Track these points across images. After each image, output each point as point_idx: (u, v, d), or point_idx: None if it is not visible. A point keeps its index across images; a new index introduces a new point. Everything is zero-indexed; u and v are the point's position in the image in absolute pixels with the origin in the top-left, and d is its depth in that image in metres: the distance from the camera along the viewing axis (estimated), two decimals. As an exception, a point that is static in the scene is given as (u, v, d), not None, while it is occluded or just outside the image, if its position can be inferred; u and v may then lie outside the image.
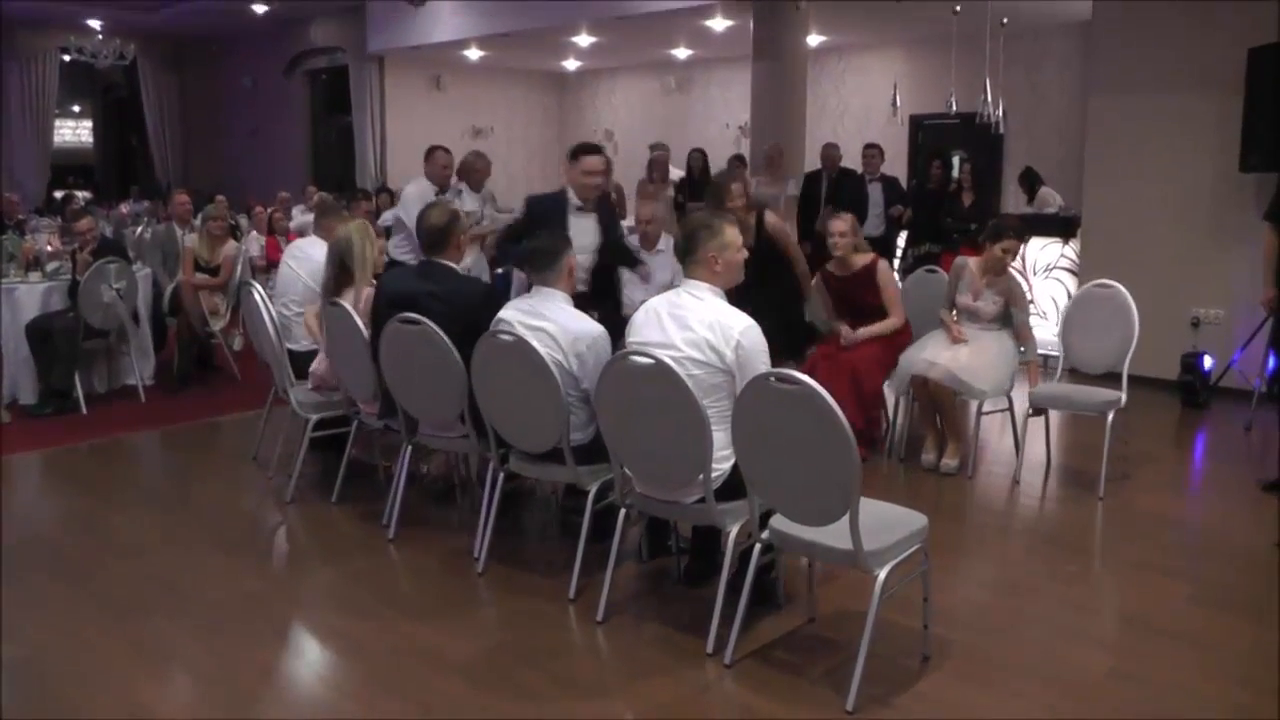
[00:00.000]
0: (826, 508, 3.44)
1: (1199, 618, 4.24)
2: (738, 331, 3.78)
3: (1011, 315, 6.16)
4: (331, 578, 4.76)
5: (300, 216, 11.67)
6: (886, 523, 3.62)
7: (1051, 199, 10.57)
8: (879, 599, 3.43)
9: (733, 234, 4.04)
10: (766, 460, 3.59)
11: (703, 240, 3.97)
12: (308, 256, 6.37)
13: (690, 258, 3.99)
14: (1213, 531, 5.29)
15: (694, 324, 3.85)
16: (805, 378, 3.34)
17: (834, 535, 3.48)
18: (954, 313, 6.31)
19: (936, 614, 3.91)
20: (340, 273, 5.48)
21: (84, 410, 7.54)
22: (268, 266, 10.08)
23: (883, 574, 3.45)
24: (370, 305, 5.22)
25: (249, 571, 4.77)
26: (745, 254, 4.10)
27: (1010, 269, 6.25)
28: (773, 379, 3.44)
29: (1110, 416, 5.71)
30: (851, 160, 11.09)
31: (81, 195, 16.69)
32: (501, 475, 4.70)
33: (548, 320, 4.35)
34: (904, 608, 3.95)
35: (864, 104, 14.92)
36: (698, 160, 11.54)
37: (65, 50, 16.29)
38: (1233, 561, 4.88)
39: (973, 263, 6.30)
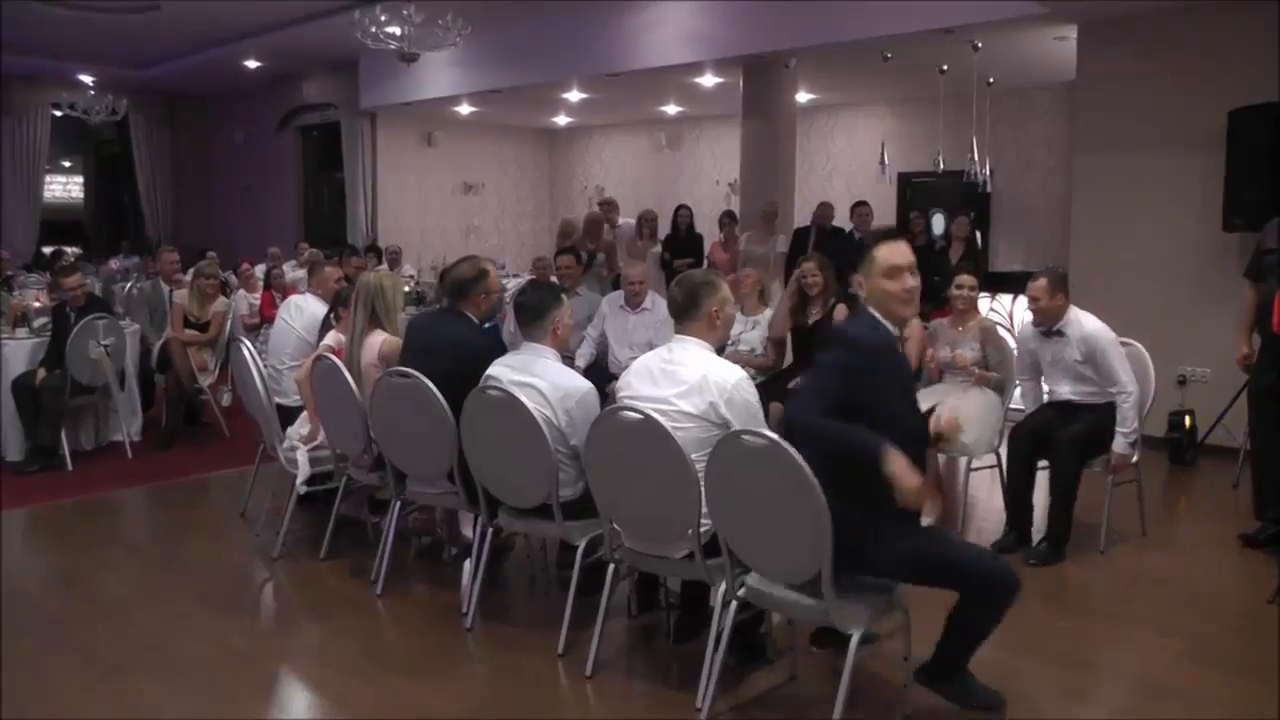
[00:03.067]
0: (799, 566, 3.41)
1: (1193, 675, 4.23)
2: (730, 384, 3.78)
3: (986, 355, 6.23)
4: (319, 634, 4.72)
5: (291, 272, 11.70)
6: (862, 581, 3.56)
7: None
8: (853, 659, 3.39)
9: (728, 290, 4.07)
10: (740, 518, 3.57)
11: (706, 295, 3.97)
12: (302, 312, 6.38)
13: (693, 313, 3.98)
14: (1205, 588, 5.28)
15: (687, 378, 3.85)
16: (773, 435, 3.32)
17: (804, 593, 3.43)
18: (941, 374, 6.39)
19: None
20: (371, 318, 5.45)
21: (70, 467, 7.49)
22: (259, 324, 10.08)
23: (857, 634, 3.41)
24: (394, 352, 5.20)
25: (236, 629, 4.73)
26: (737, 309, 4.13)
27: (978, 312, 6.44)
28: (743, 435, 3.43)
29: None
30: (839, 217, 11.16)
31: (71, 251, 16.69)
32: (490, 531, 4.69)
33: (536, 377, 4.35)
34: (892, 664, 3.92)
35: (852, 161, 15.06)
36: (684, 217, 11.61)
37: (57, 106, 16.35)
38: (1226, 618, 4.88)
39: (944, 320, 6.47)
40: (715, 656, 3.74)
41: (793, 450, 3.26)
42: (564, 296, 4.67)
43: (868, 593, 3.50)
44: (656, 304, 7.29)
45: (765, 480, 3.39)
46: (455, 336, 4.86)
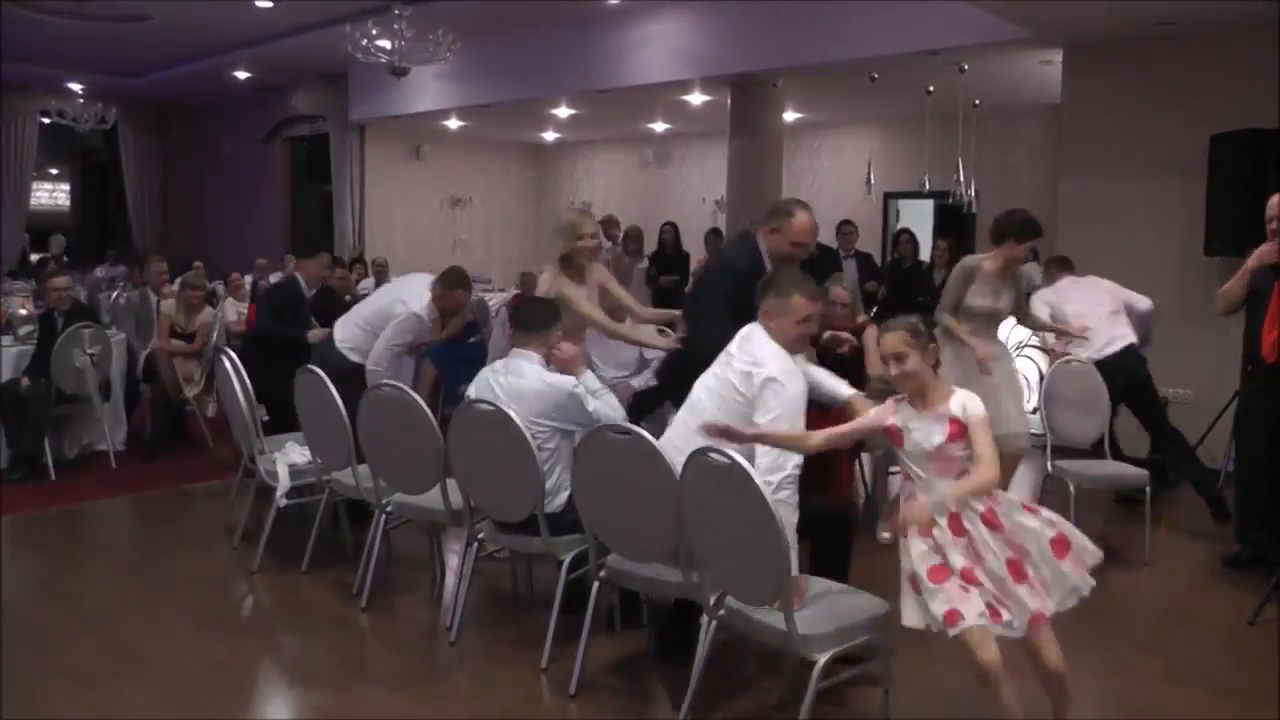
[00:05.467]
0: (763, 588, 3.37)
1: (1173, 695, 4.26)
2: (765, 373, 3.79)
3: (1016, 301, 6.02)
4: (301, 647, 4.71)
5: (277, 284, 11.66)
6: (837, 607, 3.56)
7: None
8: (815, 687, 3.34)
9: (799, 303, 3.98)
10: (708, 535, 3.56)
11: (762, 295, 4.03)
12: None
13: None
14: (1186, 609, 5.32)
15: (757, 354, 3.90)
16: (737, 456, 3.31)
17: (774, 615, 3.37)
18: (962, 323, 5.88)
19: (907, 690, 3.89)
20: None
21: (53, 476, 7.44)
22: (246, 332, 10.05)
23: (822, 661, 3.35)
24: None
25: (218, 641, 4.71)
26: (812, 328, 4.09)
27: None
28: (709, 453, 3.42)
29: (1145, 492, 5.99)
30: (825, 236, 11.20)
31: (55, 240, 16.56)
32: (475, 544, 4.69)
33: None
34: (874, 691, 3.89)
35: (839, 180, 15.10)
36: (669, 234, 11.66)
37: (45, 113, 16.30)
38: (1206, 639, 4.91)
39: (987, 263, 5.90)
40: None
41: (752, 471, 3.27)
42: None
43: (840, 618, 3.48)
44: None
45: (728, 499, 3.37)
46: None
